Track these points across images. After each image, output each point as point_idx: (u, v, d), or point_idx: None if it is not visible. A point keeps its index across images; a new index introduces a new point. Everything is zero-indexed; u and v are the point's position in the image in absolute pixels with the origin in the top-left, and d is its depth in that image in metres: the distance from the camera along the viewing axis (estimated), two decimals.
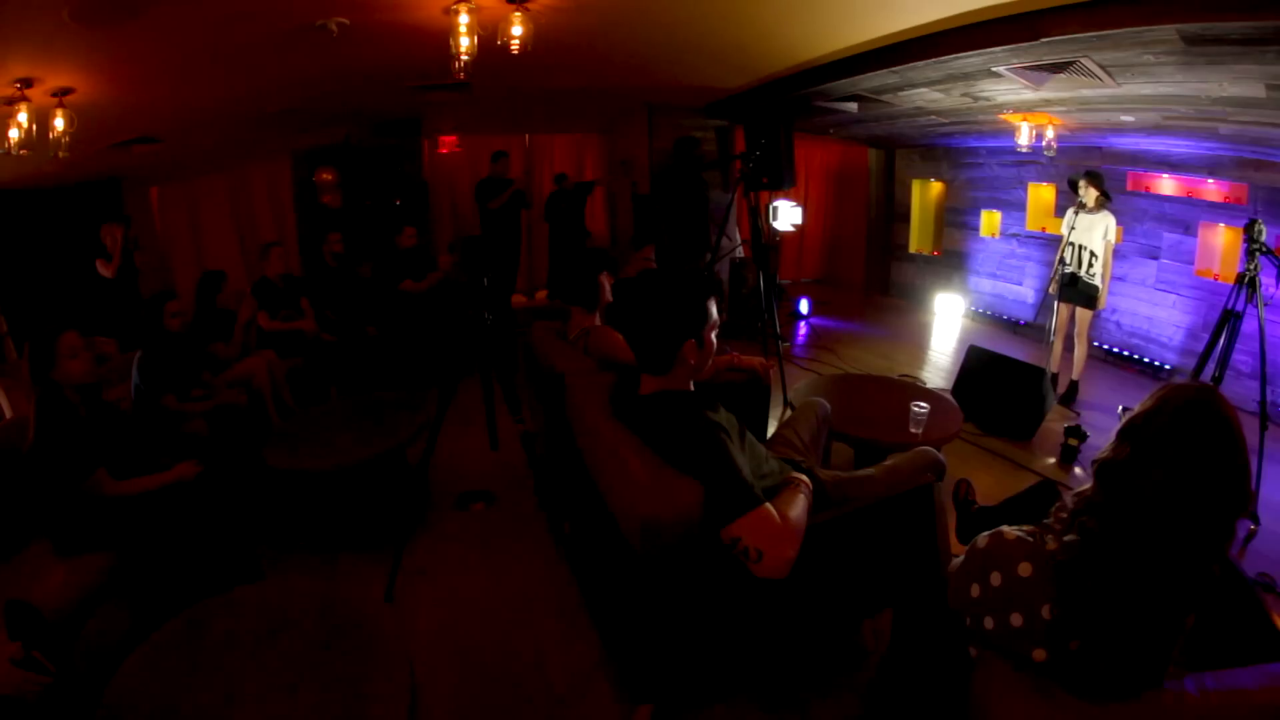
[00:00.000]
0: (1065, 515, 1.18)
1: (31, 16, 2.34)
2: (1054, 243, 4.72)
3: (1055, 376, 4.07)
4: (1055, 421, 3.65)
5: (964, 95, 4.01)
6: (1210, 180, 4.30)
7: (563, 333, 2.61)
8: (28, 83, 2.88)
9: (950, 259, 6.61)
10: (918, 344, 5.63)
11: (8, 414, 3.27)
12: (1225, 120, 3.48)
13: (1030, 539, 1.19)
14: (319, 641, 1.47)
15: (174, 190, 5.70)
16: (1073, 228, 3.91)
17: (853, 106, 4.82)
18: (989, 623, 1.18)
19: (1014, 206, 5.87)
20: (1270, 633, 1.23)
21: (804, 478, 1.61)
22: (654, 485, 1.45)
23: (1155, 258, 4.68)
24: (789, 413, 2.69)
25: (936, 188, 6.76)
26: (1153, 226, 4.66)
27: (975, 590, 1.21)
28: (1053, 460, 3.36)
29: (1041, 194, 5.64)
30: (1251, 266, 2.83)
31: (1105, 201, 3.87)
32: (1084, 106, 3.83)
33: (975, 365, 3.93)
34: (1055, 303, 4.12)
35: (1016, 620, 1.14)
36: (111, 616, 2.04)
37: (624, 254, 5.81)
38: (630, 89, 5.26)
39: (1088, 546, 1.11)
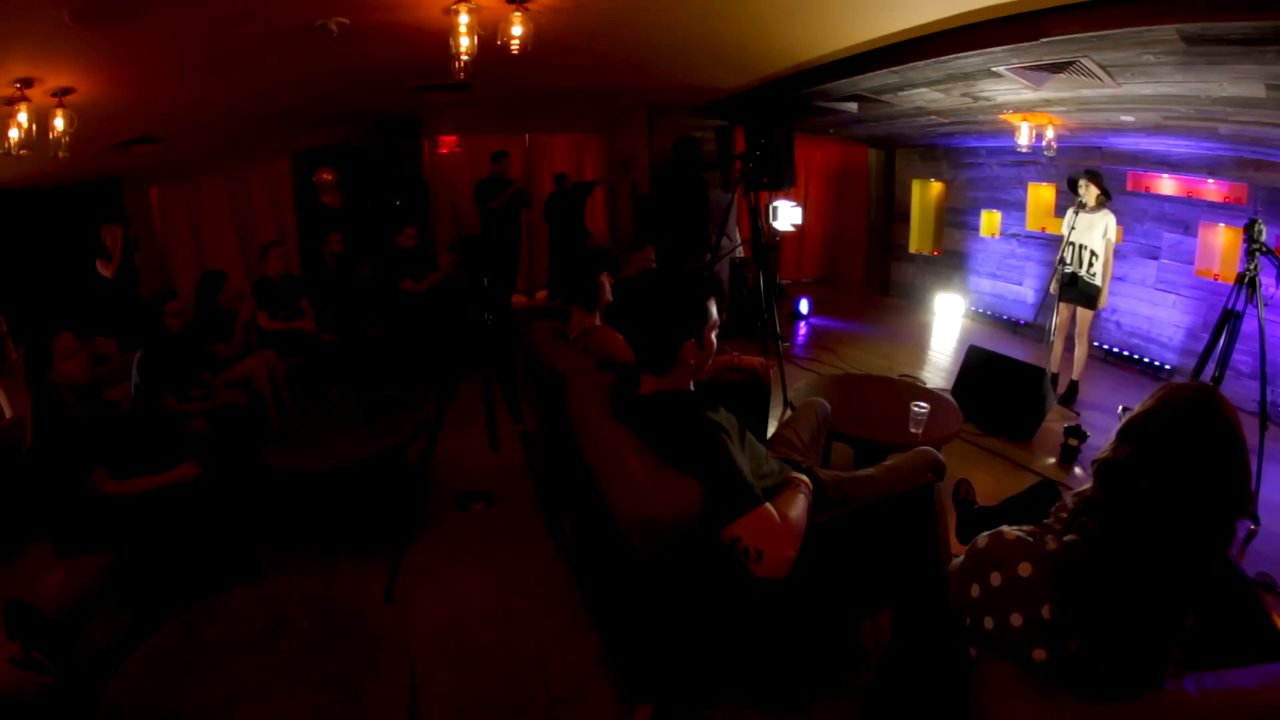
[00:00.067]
0: (1065, 515, 1.18)
1: (32, 16, 2.34)
2: (1054, 243, 4.73)
3: (1055, 376, 4.07)
4: (1055, 421, 3.65)
5: (964, 95, 4.01)
6: (1210, 180, 4.31)
7: (563, 333, 2.61)
8: (28, 83, 2.88)
9: (950, 259, 6.61)
10: (918, 344, 5.63)
11: (7, 414, 3.27)
12: (1225, 120, 3.48)
13: (1030, 539, 1.19)
14: (319, 642, 1.47)
15: (174, 190, 5.71)
16: (1073, 227, 3.91)
17: (853, 106, 4.82)
18: (989, 623, 1.18)
19: (1014, 206, 5.87)
20: (1270, 633, 1.23)
21: (804, 478, 1.61)
22: (654, 485, 1.44)
23: (1155, 258, 4.68)
24: (789, 413, 2.69)
25: (936, 188, 6.76)
26: (1153, 226, 4.66)
27: (975, 590, 1.21)
28: (1053, 460, 3.36)
29: (1041, 194, 5.63)
30: (1251, 266, 2.83)
31: (1105, 200, 3.87)
32: (1084, 106, 3.83)
33: (975, 365, 3.93)
34: (1055, 302, 4.11)
35: (1016, 620, 1.14)
36: (111, 616, 2.05)
37: (624, 254, 5.80)
38: (630, 89, 5.25)
39: (1088, 547, 1.11)
